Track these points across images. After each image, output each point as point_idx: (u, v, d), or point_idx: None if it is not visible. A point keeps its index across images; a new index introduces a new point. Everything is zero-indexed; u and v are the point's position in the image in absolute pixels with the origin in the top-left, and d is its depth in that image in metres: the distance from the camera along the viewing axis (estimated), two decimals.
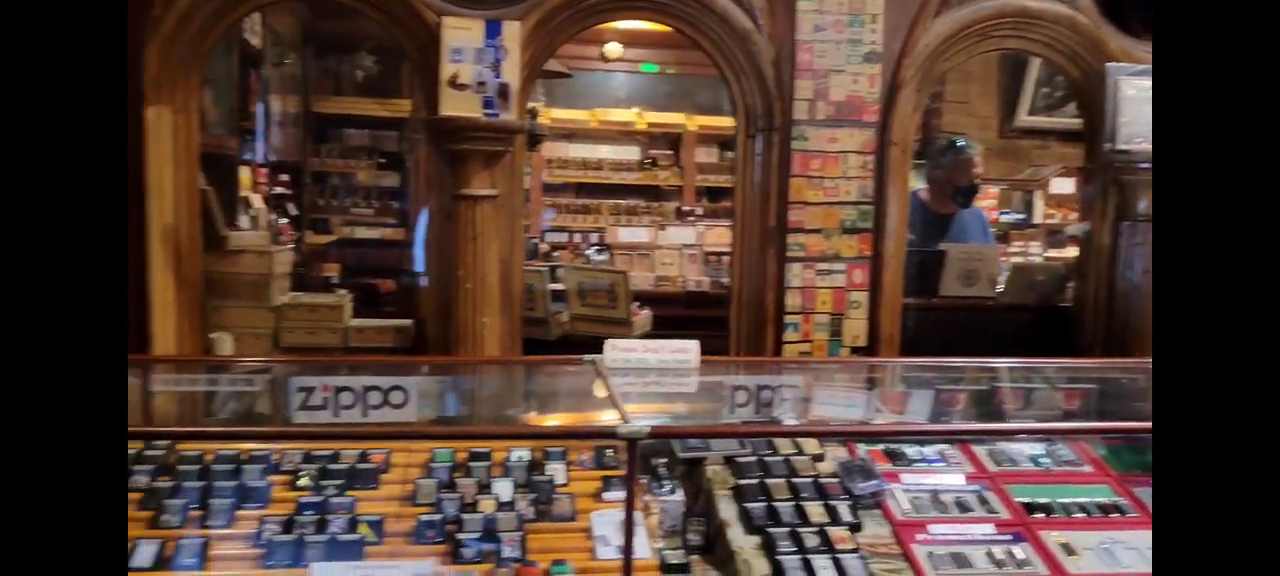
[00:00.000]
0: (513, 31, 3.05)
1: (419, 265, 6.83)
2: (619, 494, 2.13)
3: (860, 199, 3.32)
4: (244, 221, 4.46)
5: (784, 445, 2.31)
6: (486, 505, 2.08)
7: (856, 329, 3.36)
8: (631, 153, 8.67)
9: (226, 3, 3.00)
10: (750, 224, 3.33)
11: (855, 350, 3.36)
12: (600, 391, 2.32)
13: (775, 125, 3.26)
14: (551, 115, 7.83)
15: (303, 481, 2.12)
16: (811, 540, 2.01)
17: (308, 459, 2.18)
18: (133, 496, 2.01)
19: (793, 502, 2.12)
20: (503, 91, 3.04)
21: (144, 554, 1.88)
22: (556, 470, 2.21)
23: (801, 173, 3.28)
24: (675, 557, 2.03)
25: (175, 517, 1.98)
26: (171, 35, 2.94)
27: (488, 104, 3.04)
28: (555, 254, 6.88)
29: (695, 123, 8.50)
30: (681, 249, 6.71)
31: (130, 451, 2.12)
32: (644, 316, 4.04)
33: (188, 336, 3.11)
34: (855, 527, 2.06)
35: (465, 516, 2.04)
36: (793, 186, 3.28)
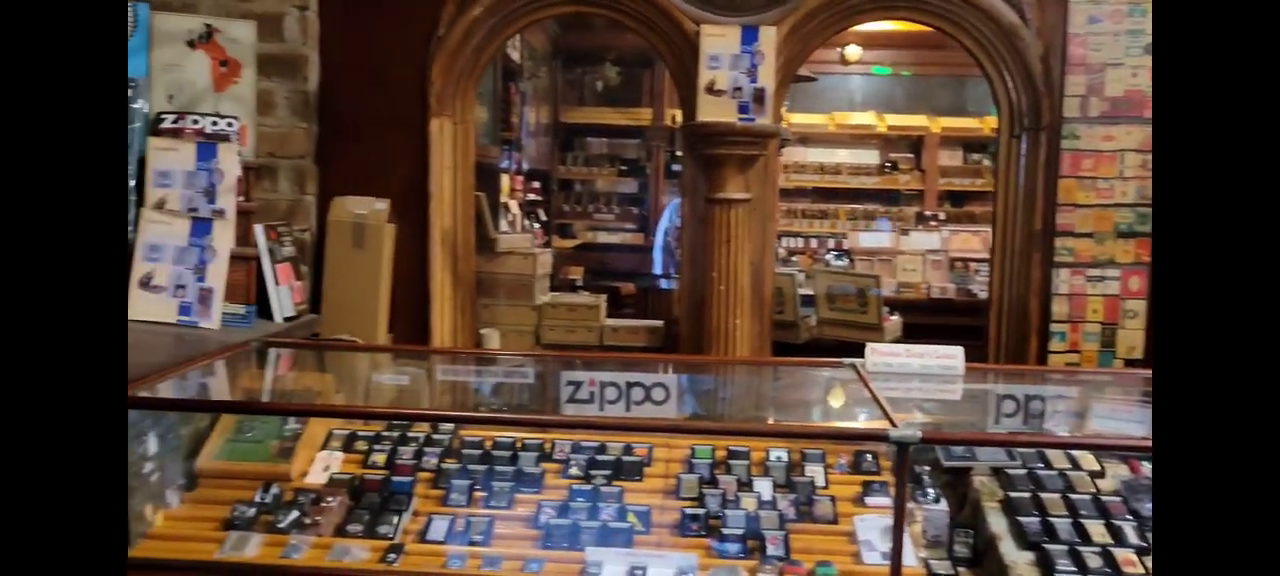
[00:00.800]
0: (769, 37, 3.08)
1: (658, 268, 7.04)
2: (881, 499, 2.10)
3: (1138, 200, 3.09)
4: (503, 226, 4.76)
5: (1057, 459, 2.19)
6: (748, 503, 2.11)
7: (1132, 340, 3.12)
8: (870, 156, 8.49)
9: (501, 20, 3.22)
10: (1011, 228, 3.18)
11: (1129, 363, 3.13)
12: (859, 395, 2.30)
13: (1043, 124, 3.10)
14: (790, 119, 7.80)
15: (573, 471, 2.24)
16: (1094, 560, 1.90)
17: (576, 449, 2.31)
18: (423, 475, 2.19)
19: (1070, 519, 2.01)
20: (758, 96, 3.08)
21: (438, 528, 2.04)
22: (815, 472, 2.21)
23: (1072, 173, 3.09)
24: (941, 568, 1.98)
25: (462, 497, 2.14)
26: (454, 52, 3.19)
27: (743, 109, 3.09)
28: (793, 259, 6.86)
29: (938, 125, 8.20)
30: (925, 254, 6.49)
31: (418, 434, 2.32)
32: (894, 322, 3.95)
33: (461, 331, 3.36)
34: (1143, 551, 1.93)
35: (728, 512, 2.08)
36: (1061, 188, 3.10)
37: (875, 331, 3.62)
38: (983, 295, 5.58)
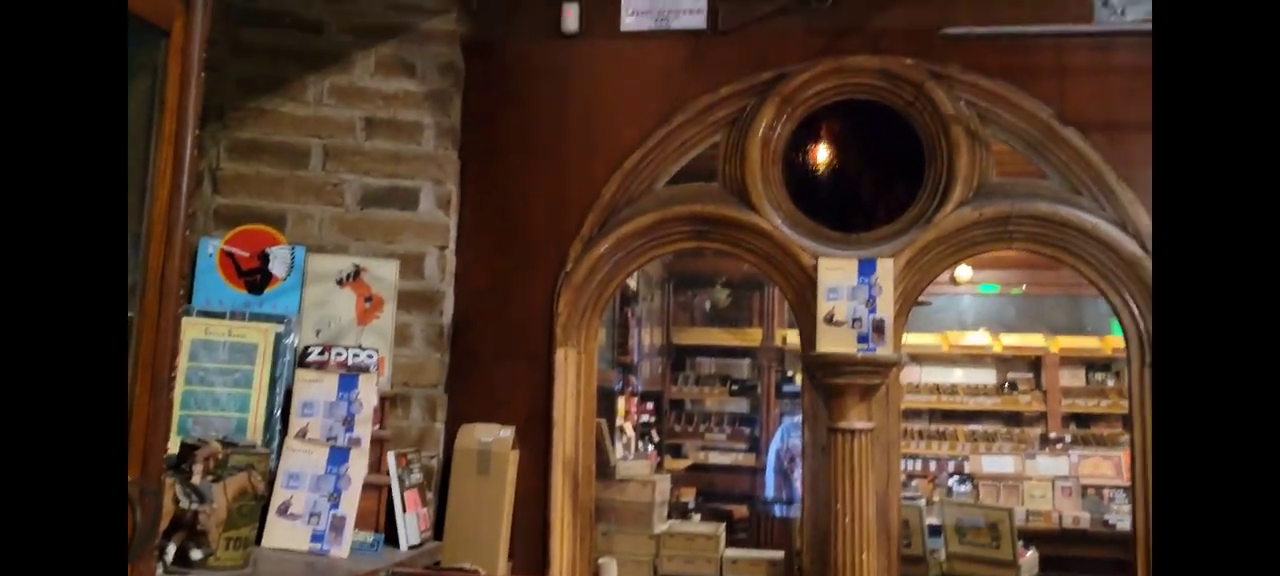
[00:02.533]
0: (886, 269, 3.14)
1: (770, 491, 6.91)
2: None
3: None
4: (620, 450, 4.80)
5: None
6: None
7: None
8: (987, 376, 8.31)
9: (626, 256, 3.38)
10: (1150, 459, 3.04)
11: None
12: None
13: None
14: (903, 340, 7.75)
15: None
16: None
17: None
18: None
19: None
20: (878, 326, 3.10)
21: None
22: None
23: None
24: None
25: None
26: (579, 286, 3.34)
27: (862, 339, 3.11)
28: (912, 483, 6.64)
29: (1057, 344, 8.01)
30: (1054, 481, 6.20)
31: None
32: (1031, 558, 3.75)
33: (580, 559, 3.34)
34: None
35: None
36: None
37: (1010, 568, 3.44)
38: (1120, 525, 5.27)
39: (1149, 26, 3.05)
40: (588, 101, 3.46)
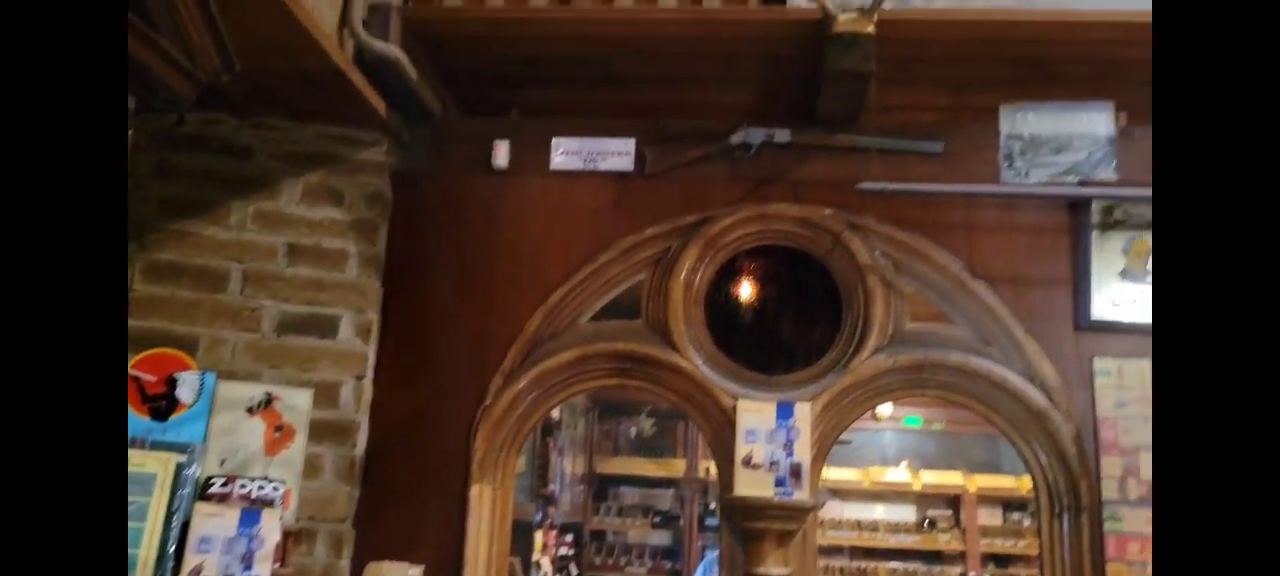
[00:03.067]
0: (804, 412, 3.17)
1: None
2: None
3: None
4: None
5: None
6: None
7: None
8: (907, 513, 8.37)
9: (545, 392, 3.36)
10: None
11: None
12: None
13: (1083, 505, 3.08)
14: (823, 476, 7.79)
15: None
16: None
17: None
18: None
19: None
20: (795, 470, 3.12)
21: None
22: None
23: (1118, 557, 3.03)
24: None
25: None
26: (499, 421, 3.30)
27: (780, 482, 3.12)
28: None
29: (974, 483, 8.13)
30: None
31: None
32: None
33: None
34: None
35: None
36: (1110, 572, 3.02)
37: None
38: None
39: (1052, 189, 3.23)
40: (515, 236, 3.49)
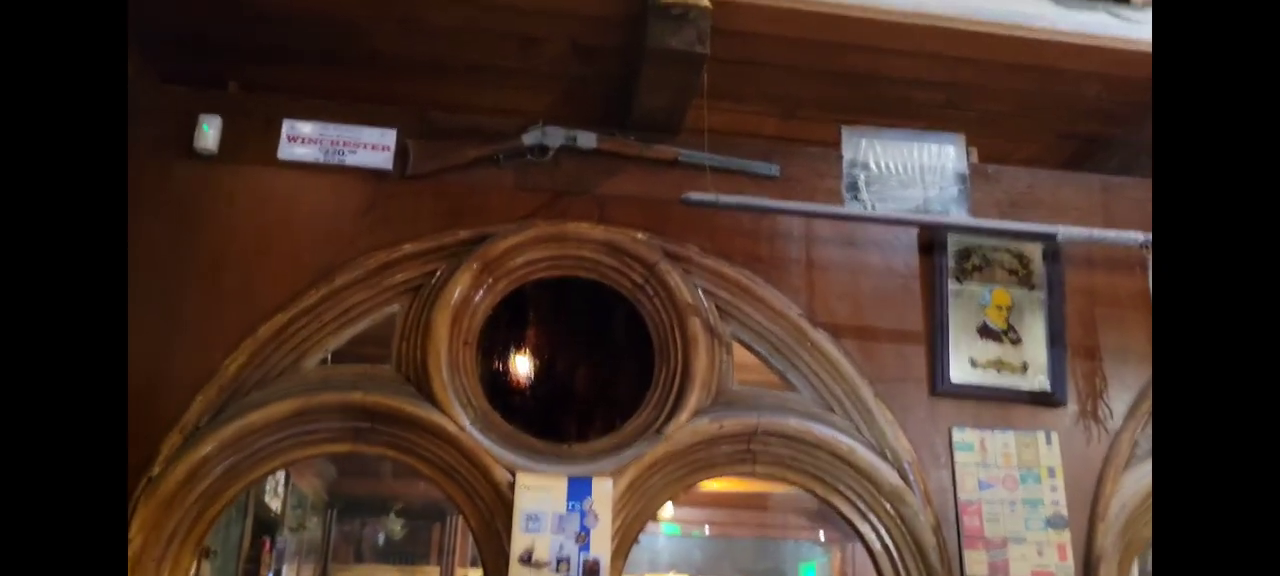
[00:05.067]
0: (604, 492, 2.39)
1: None
2: None
3: None
4: None
5: None
6: None
7: None
8: None
9: (248, 460, 2.39)
10: None
11: None
12: None
13: None
14: None
15: None
16: None
17: None
18: None
19: None
20: (591, 571, 2.31)
21: None
22: None
23: None
24: None
25: None
26: (169, 500, 2.29)
27: None
28: None
29: None
30: None
31: None
32: None
33: None
34: None
35: None
36: None
37: None
38: None
39: (914, 218, 2.71)
40: (219, 243, 2.55)
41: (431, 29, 2.60)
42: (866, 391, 2.59)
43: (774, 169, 2.75)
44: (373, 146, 2.68)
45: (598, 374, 2.92)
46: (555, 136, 2.68)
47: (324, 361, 2.52)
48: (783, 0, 2.52)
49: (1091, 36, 2.69)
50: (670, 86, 2.54)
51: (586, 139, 2.70)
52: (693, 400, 2.53)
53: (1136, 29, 2.84)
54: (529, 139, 2.68)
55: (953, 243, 2.73)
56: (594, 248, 2.65)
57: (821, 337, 2.63)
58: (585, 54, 2.62)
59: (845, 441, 2.53)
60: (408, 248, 2.59)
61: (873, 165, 2.81)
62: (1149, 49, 2.71)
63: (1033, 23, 2.71)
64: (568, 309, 2.88)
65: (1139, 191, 2.90)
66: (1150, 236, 2.57)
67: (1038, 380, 2.65)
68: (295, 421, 2.42)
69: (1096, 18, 2.97)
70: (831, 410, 2.60)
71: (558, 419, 2.65)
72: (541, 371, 2.91)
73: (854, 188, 2.78)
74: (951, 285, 2.70)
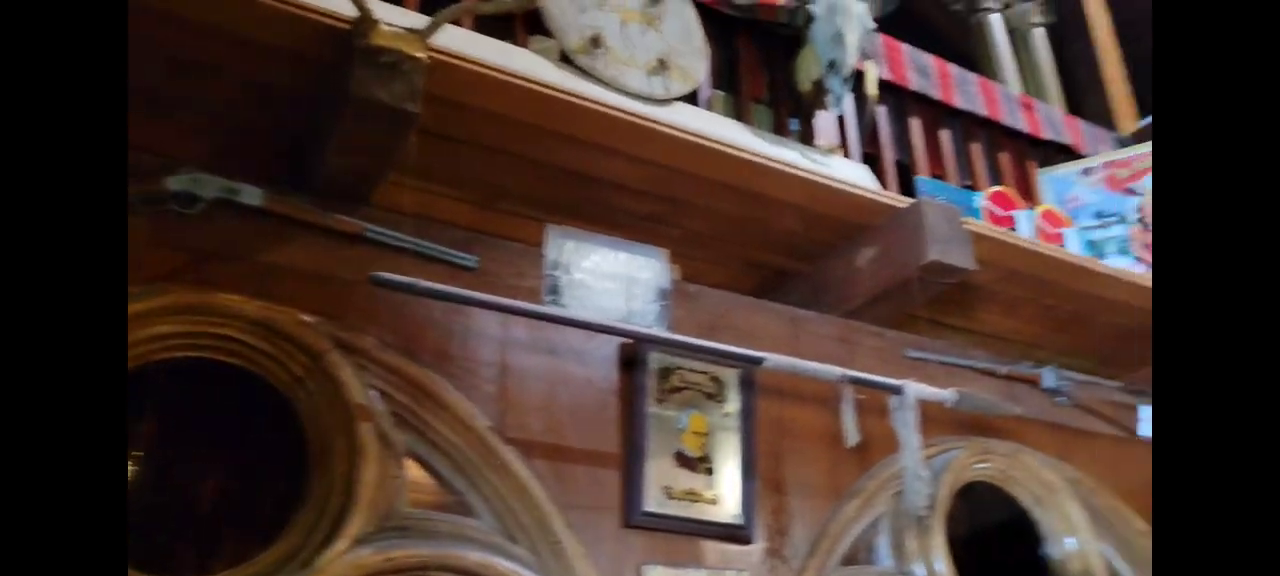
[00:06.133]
0: None
1: None
2: None
3: None
4: None
5: None
6: None
7: None
8: None
9: None
10: None
11: None
12: None
13: None
14: None
15: None
16: None
17: None
18: None
19: None
20: None
21: None
22: None
23: None
24: None
25: None
26: None
27: None
28: None
29: None
30: None
31: None
32: None
33: None
34: None
35: None
36: None
37: None
38: None
39: (625, 327, 2.50)
40: None
41: None
42: (557, 521, 2.30)
43: (472, 260, 2.44)
44: None
45: (232, 486, 2.36)
46: (210, 185, 2.17)
47: None
48: (500, 72, 2.27)
49: (796, 167, 2.72)
50: (368, 148, 2.16)
51: (251, 194, 2.21)
52: (355, 524, 2.08)
53: (829, 169, 2.93)
54: (175, 184, 2.14)
55: (654, 360, 2.57)
56: (246, 327, 2.15)
57: (511, 456, 2.32)
58: (265, 94, 2.17)
59: None
60: None
61: (576, 270, 2.59)
62: (843, 188, 2.79)
63: (743, 144, 2.69)
64: (200, 400, 2.32)
65: (825, 327, 2.95)
66: (846, 372, 2.59)
67: (729, 513, 2.53)
68: None
69: (791, 154, 3.04)
70: (515, 541, 2.27)
71: (172, 543, 2.07)
72: (153, 475, 2.30)
73: (555, 291, 2.54)
74: (651, 406, 2.52)
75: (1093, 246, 3.91)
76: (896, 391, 2.66)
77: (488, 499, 2.28)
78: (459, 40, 2.57)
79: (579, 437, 2.42)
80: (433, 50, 2.13)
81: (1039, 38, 6.16)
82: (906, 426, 2.62)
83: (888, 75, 3.93)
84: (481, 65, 2.25)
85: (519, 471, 2.31)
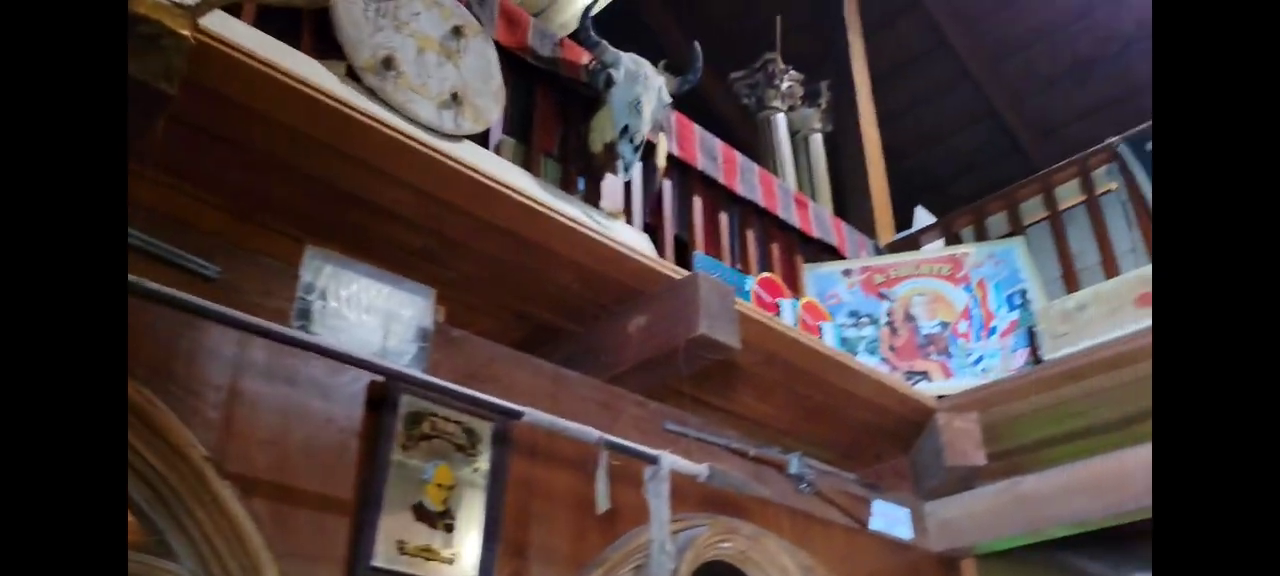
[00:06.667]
0: None
1: None
2: None
3: None
4: None
5: None
6: None
7: None
8: None
9: None
10: None
11: None
12: None
13: None
14: None
15: None
16: None
17: None
18: None
19: None
20: None
21: None
22: None
23: None
24: None
25: None
26: None
27: None
28: None
29: None
30: None
31: None
32: None
33: None
34: None
35: None
36: None
37: None
38: None
39: (365, 365, 2.32)
40: None
41: None
42: (271, 571, 2.07)
43: (213, 270, 2.20)
44: None
45: None
46: None
47: None
48: (276, 70, 2.08)
49: (578, 223, 2.67)
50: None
51: None
52: None
53: (610, 232, 2.90)
54: None
55: (406, 404, 2.41)
56: None
57: (227, 492, 2.07)
58: None
59: None
60: None
61: (332, 297, 2.40)
62: (623, 251, 2.77)
63: (527, 191, 2.62)
64: None
65: (587, 389, 2.90)
66: (606, 437, 2.53)
67: (466, 575, 2.38)
68: None
69: (575, 211, 2.99)
70: None
71: None
72: None
73: (306, 316, 2.32)
74: (395, 453, 2.35)
75: (845, 343, 4.12)
76: (653, 460, 2.64)
77: (192, 539, 2.02)
78: (237, 31, 2.36)
79: (310, 478, 2.21)
80: (202, 33, 1.92)
81: (817, 143, 6.57)
82: (659, 497, 2.59)
83: (677, 151, 4.00)
84: (255, 58, 2.05)
85: (234, 510, 2.07)
